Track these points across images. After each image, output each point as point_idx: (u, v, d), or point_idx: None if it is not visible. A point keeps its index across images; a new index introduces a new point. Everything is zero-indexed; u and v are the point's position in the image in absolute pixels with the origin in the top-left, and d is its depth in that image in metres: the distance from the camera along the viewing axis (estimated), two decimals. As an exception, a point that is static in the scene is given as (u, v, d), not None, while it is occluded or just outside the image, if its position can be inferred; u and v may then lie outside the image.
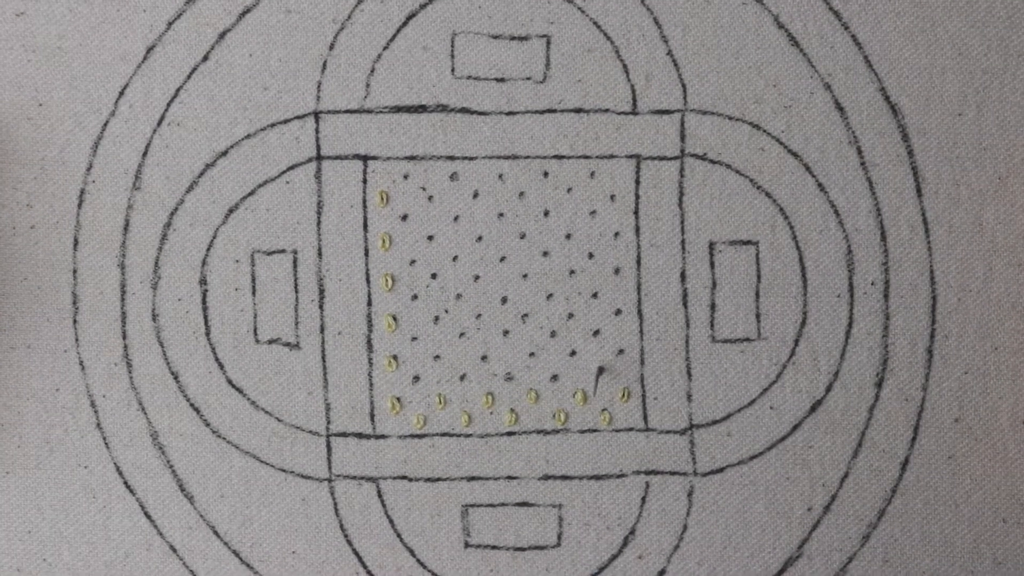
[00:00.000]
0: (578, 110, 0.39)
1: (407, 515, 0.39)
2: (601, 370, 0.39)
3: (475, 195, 0.39)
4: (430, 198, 0.39)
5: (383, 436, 0.39)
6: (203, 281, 0.39)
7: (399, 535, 0.39)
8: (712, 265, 0.39)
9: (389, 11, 0.38)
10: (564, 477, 0.39)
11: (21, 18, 0.38)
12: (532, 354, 0.39)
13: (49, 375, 0.38)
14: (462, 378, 0.39)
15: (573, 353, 0.39)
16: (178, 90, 0.38)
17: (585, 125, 0.39)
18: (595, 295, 0.39)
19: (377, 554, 0.39)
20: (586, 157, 0.39)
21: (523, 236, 0.39)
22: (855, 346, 0.39)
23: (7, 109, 0.38)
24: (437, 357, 0.39)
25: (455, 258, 0.39)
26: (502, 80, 0.39)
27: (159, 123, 0.38)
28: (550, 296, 0.39)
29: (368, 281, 0.39)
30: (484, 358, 0.39)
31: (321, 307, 0.39)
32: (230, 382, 0.39)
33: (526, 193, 0.39)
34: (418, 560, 0.39)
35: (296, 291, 0.39)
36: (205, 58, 0.38)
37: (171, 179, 0.38)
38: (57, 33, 0.38)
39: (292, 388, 0.39)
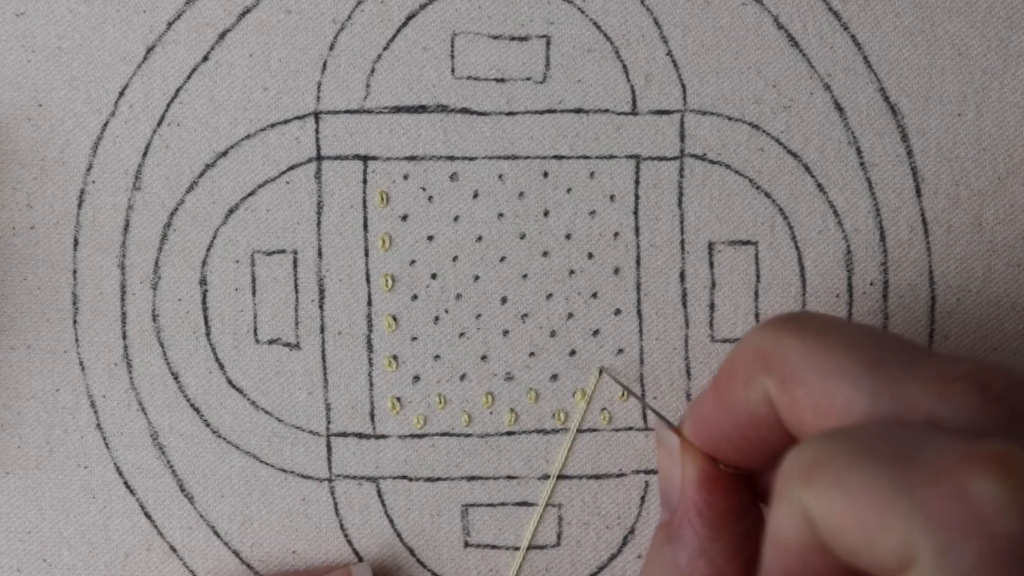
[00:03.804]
0: (578, 110, 0.39)
1: (407, 515, 0.39)
2: (601, 371, 0.39)
3: (475, 195, 0.39)
4: (430, 198, 0.39)
5: (383, 436, 0.39)
6: (203, 281, 0.39)
7: (399, 535, 0.39)
8: (711, 265, 0.39)
9: (389, 11, 0.38)
10: (564, 477, 0.39)
11: (21, 18, 0.38)
12: (532, 354, 0.39)
13: (49, 375, 0.38)
14: (462, 378, 0.39)
15: (573, 353, 0.39)
16: (178, 90, 0.38)
17: (585, 125, 0.39)
18: (595, 295, 0.39)
19: (377, 554, 0.39)
20: (586, 157, 0.39)
21: (523, 236, 0.39)
22: (854, 346, 0.39)
23: (7, 109, 0.38)
24: (437, 357, 0.39)
25: (455, 258, 0.39)
26: (502, 80, 0.39)
27: (159, 123, 0.38)
28: (550, 296, 0.39)
29: (368, 281, 0.39)
30: (484, 358, 0.39)
31: (321, 307, 0.39)
32: (230, 382, 0.39)
33: (526, 193, 0.39)
34: (418, 559, 0.39)
35: (296, 291, 0.39)
36: (205, 58, 0.38)
37: (171, 179, 0.38)
38: (57, 33, 0.38)
39: (292, 388, 0.39)
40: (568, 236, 0.39)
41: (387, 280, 0.39)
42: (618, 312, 0.39)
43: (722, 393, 0.30)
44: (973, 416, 0.24)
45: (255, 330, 0.39)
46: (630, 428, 0.39)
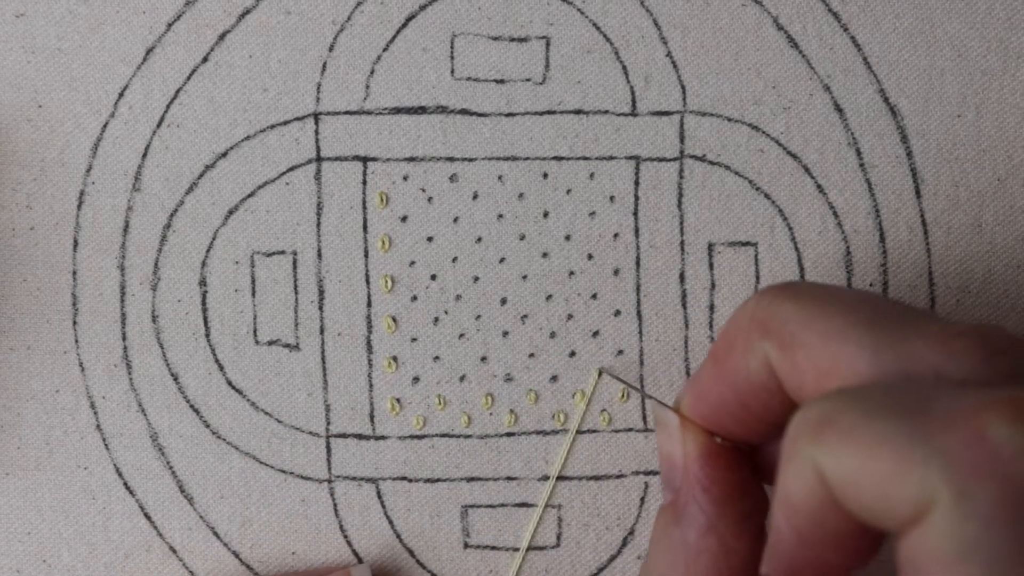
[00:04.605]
0: (577, 111, 0.39)
1: (406, 516, 0.39)
2: (601, 373, 0.39)
3: (475, 196, 0.39)
4: (430, 199, 0.39)
5: (383, 437, 0.39)
6: (203, 282, 0.39)
7: (399, 536, 0.39)
8: (711, 266, 0.39)
9: (388, 12, 0.38)
10: (563, 478, 0.39)
11: (20, 19, 0.38)
12: (532, 355, 0.39)
13: (49, 376, 0.38)
14: (462, 379, 0.39)
15: (572, 354, 0.39)
16: (178, 92, 0.38)
17: (584, 126, 0.39)
18: (594, 296, 0.39)
19: (377, 555, 0.39)
20: (585, 159, 0.39)
21: (523, 237, 0.39)
22: (854, 347, 0.39)
23: (6, 110, 0.38)
24: (437, 358, 0.39)
25: (455, 259, 0.39)
26: (501, 82, 0.39)
27: (159, 125, 0.38)
28: (549, 297, 0.39)
29: (368, 282, 0.39)
30: (484, 359, 0.39)
31: (321, 308, 0.39)
32: (230, 383, 0.39)
33: (526, 194, 0.39)
34: (417, 560, 0.39)
35: (296, 292, 0.39)
36: (205, 59, 0.38)
37: (171, 180, 0.38)
38: (56, 35, 0.38)
39: (292, 389, 0.39)
40: (568, 237, 0.39)
41: (387, 281, 0.39)
42: (618, 313, 0.39)
43: (721, 363, 0.30)
44: (977, 370, 0.24)
45: (255, 331, 0.39)
46: (630, 429, 0.39)
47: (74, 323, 0.38)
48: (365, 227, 0.39)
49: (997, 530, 0.21)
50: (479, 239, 0.39)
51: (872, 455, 0.22)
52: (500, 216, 0.39)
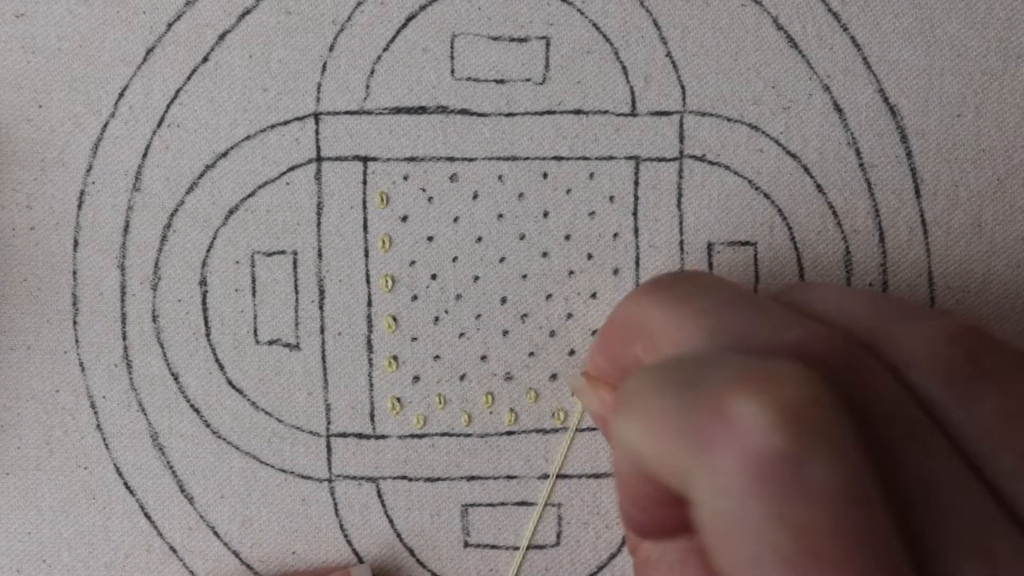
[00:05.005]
0: (577, 111, 0.39)
1: (407, 515, 0.39)
2: None
3: (475, 196, 0.39)
4: (430, 199, 0.39)
5: (383, 436, 0.39)
6: (203, 282, 0.39)
7: (399, 535, 0.39)
8: (711, 266, 0.39)
9: (389, 13, 0.38)
10: (563, 476, 0.39)
11: (20, 20, 0.38)
12: (532, 354, 0.39)
13: (49, 376, 0.38)
14: (462, 378, 0.39)
15: (572, 353, 0.39)
16: (178, 91, 0.38)
17: (584, 126, 0.39)
18: (594, 295, 0.39)
19: (377, 554, 0.39)
20: (585, 158, 0.39)
21: (523, 237, 0.39)
22: (853, 346, 0.39)
23: (7, 110, 0.38)
24: (437, 357, 0.39)
25: (455, 259, 0.39)
26: (501, 82, 0.39)
27: (159, 124, 0.38)
28: (549, 296, 0.39)
29: (368, 282, 0.39)
30: (484, 358, 0.39)
31: (321, 308, 0.39)
32: (230, 383, 0.39)
33: (525, 194, 0.39)
34: (417, 560, 0.39)
35: (296, 292, 0.39)
36: (205, 59, 0.38)
37: (171, 180, 0.38)
38: (56, 35, 0.38)
39: (292, 389, 0.39)
40: (568, 237, 0.39)
41: (387, 281, 0.39)
42: (617, 312, 0.39)
43: (605, 351, 0.32)
44: None
45: (255, 331, 0.39)
46: (629, 428, 0.39)
47: (74, 323, 0.39)
48: (365, 227, 0.39)
49: (746, 503, 0.21)
50: (479, 239, 0.39)
51: (653, 430, 0.23)
52: (500, 216, 0.39)
